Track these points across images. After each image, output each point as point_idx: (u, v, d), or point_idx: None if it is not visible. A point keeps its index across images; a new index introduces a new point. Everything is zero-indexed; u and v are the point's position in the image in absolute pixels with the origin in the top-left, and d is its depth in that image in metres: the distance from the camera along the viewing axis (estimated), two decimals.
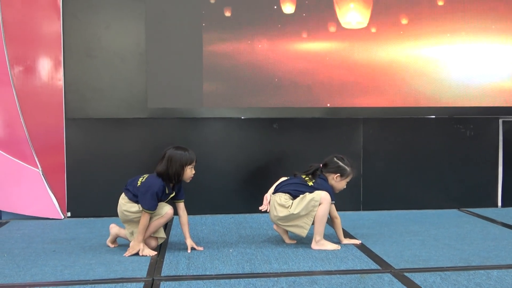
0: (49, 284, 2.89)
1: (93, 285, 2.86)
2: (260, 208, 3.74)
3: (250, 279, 2.91)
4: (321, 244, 3.55)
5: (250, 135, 4.86)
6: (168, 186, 3.50)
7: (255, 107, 4.80)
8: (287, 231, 3.74)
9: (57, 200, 4.59)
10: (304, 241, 3.70)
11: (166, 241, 3.73)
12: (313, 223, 3.55)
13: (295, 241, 3.74)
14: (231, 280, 2.91)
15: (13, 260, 3.34)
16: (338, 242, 3.67)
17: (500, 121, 5.05)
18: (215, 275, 3.00)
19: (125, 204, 3.54)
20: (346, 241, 3.70)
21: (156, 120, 4.73)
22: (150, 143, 4.70)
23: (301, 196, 3.55)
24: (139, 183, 3.52)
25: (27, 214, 4.54)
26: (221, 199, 4.79)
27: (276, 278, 2.93)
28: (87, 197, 4.66)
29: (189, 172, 3.50)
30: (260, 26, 4.75)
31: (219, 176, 4.79)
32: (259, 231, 4.12)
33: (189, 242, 3.53)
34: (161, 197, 3.49)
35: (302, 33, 4.79)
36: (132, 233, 3.55)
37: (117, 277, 2.98)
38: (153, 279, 2.94)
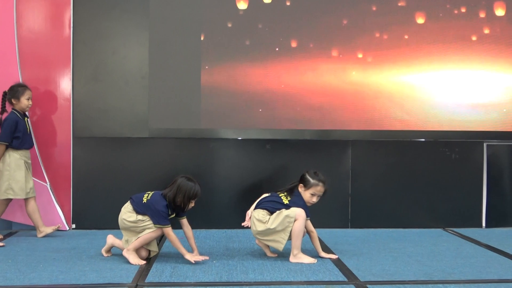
0: (43, 287, 3.22)
1: None
2: (242, 224, 4.04)
3: (223, 287, 3.20)
4: (298, 257, 3.82)
5: (244, 155, 5.17)
6: (171, 208, 3.84)
7: (249, 129, 5.12)
8: (268, 245, 4.02)
9: (63, 213, 4.95)
10: (285, 255, 3.97)
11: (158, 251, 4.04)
12: (290, 238, 3.83)
13: (276, 255, 4.01)
14: (206, 287, 3.21)
15: (16, 265, 3.69)
16: (317, 256, 3.93)
17: (485, 144, 5.27)
18: (193, 282, 3.31)
19: (125, 213, 3.87)
20: (323, 254, 3.96)
21: (157, 140, 5.07)
22: (151, 161, 5.05)
23: (277, 212, 3.84)
24: (144, 199, 3.85)
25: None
26: (216, 214, 5.09)
27: (247, 287, 3.21)
28: (91, 210, 5.00)
29: (191, 204, 3.85)
30: (255, 53, 5.08)
31: (215, 192, 5.09)
32: (246, 244, 4.41)
33: (195, 254, 3.85)
34: None
35: (294, 60, 5.10)
36: (127, 241, 3.88)
37: (105, 282, 3.30)
38: (136, 285, 3.25)
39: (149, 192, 3.91)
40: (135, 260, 3.75)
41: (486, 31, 5.24)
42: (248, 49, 5.09)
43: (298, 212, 3.79)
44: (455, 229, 5.12)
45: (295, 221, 3.78)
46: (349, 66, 5.15)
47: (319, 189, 3.93)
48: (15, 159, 4.54)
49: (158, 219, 3.77)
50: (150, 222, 3.81)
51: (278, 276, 3.47)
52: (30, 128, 4.70)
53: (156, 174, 4.99)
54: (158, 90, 5.03)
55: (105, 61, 5.03)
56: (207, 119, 5.08)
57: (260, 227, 3.86)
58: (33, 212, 4.60)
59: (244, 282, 3.32)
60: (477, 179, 5.28)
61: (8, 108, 4.63)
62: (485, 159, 5.27)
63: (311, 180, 3.93)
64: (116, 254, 3.99)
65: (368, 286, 3.27)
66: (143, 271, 3.55)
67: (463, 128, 5.23)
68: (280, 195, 3.97)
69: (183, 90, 5.05)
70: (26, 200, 4.58)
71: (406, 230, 5.08)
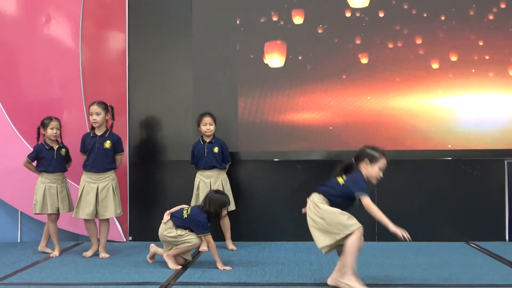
0: (94, 284, 3.94)
1: (124, 286, 3.88)
2: (303, 211, 4.01)
3: (236, 287, 3.79)
4: (347, 279, 3.55)
5: (278, 175, 5.73)
6: (209, 220, 4.51)
7: (282, 151, 5.71)
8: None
9: (121, 227, 5.72)
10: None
11: (194, 259, 4.69)
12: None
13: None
14: (224, 286, 3.81)
15: (76, 268, 4.46)
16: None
17: (505, 162, 5.54)
18: (214, 282, 3.92)
19: (166, 229, 4.53)
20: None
21: None
22: (194, 180, 5.72)
23: (340, 211, 3.62)
24: (185, 215, 4.52)
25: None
26: (252, 228, 5.66)
27: (255, 287, 3.78)
28: (145, 224, 5.73)
29: (223, 212, 4.52)
30: (286, 81, 5.69)
31: (253, 209, 5.67)
32: (276, 253, 4.94)
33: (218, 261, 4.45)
34: None
35: (322, 87, 5.66)
36: (168, 250, 4.55)
37: (144, 281, 3.98)
38: (168, 283, 3.90)
39: (186, 208, 4.57)
40: (173, 265, 4.41)
41: (505, 52, 5.56)
42: (280, 79, 5.70)
43: (357, 227, 3.54)
44: (477, 243, 5.40)
45: (350, 234, 3.52)
46: (374, 90, 5.63)
47: (384, 161, 3.70)
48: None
49: (201, 229, 4.42)
50: (188, 236, 4.44)
51: (290, 279, 4.00)
52: (209, 151, 5.32)
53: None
54: None
55: (155, 95, 5.81)
56: (243, 142, 5.72)
57: (315, 216, 3.65)
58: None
59: (256, 283, 3.90)
60: (499, 195, 5.55)
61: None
62: (506, 176, 5.54)
63: (376, 154, 3.66)
64: (158, 261, 4.66)
65: None
66: (177, 274, 4.20)
67: (484, 147, 5.54)
68: (337, 179, 3.75)
69: (222, 118, 5.71)
70: None
71: (430, 243, 5.41)
